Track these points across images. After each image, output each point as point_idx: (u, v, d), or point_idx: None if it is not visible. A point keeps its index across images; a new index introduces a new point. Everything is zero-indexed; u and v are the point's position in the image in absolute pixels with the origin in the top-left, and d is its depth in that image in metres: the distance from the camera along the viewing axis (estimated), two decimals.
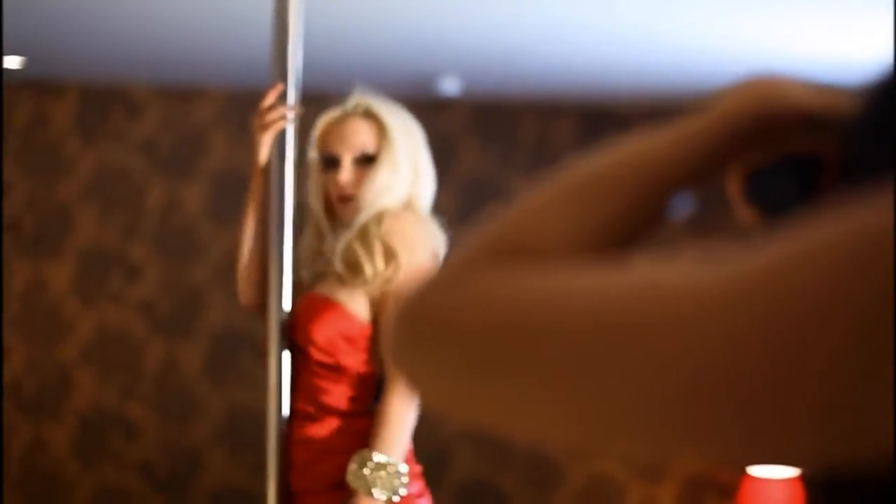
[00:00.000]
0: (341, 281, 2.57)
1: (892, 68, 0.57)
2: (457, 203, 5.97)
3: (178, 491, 6.07)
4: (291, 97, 2.65)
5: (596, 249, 0.62)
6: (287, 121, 2.61)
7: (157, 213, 6.13)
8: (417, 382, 0.60)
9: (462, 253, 0.61)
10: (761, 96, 0.65)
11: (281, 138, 2.65)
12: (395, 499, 2.49)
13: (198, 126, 6.17)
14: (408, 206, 2.65)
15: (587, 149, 0.66)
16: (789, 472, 5.34)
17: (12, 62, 5.45)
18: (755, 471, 5.37)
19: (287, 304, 2.64)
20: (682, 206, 0.65)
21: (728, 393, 0.47)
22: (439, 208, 2.73)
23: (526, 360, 0.53)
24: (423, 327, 0.58)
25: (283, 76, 2.66)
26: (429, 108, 6.43)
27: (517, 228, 0.62)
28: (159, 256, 6.10)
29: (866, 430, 0.45)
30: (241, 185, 6.07)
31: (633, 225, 0.64)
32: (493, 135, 6.24)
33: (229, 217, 6.00)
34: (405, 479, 2.49)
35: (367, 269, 2.53)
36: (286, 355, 2.62)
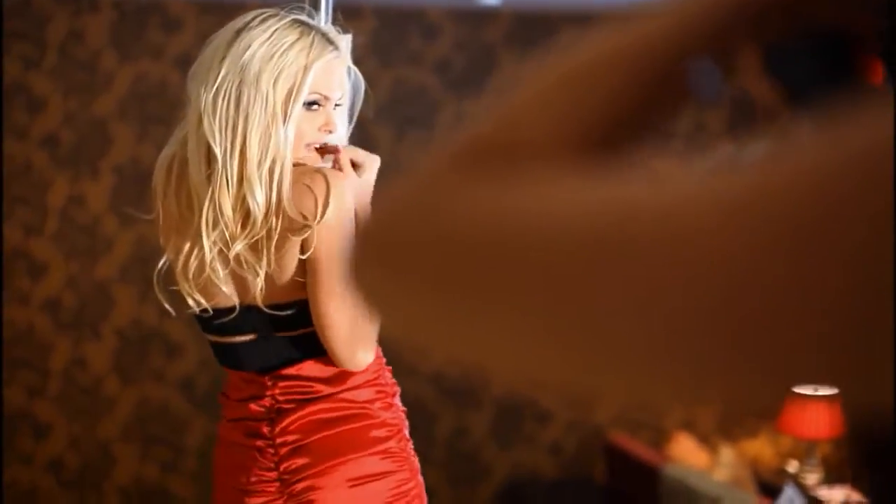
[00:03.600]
0: None
1: None
2: None
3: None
4: (325, 8, 2.57)
5: (595, 143, 0.54)
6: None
7: None
8: (384, 311, 0.55)
9: (436, 163, 0.54)
10: None
11: None
12: None
13: None
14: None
15: None
16: (832, 390, 5.30)
17: None
18: (798, 390, 5.33)
19: None
20: (703, 83, 0.56)
21: (741, 315, 0.44)
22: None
23: (510, 284, 0.48)
24: (391, 250, 0.53)
25: None
26: (469, 19, 6.36)
27: (499, 127, 0.55)
28: None
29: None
30: None
31: (633, 108, 0.56)
32: (534, 45, 6.14)
33: None
34: None
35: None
36: None
